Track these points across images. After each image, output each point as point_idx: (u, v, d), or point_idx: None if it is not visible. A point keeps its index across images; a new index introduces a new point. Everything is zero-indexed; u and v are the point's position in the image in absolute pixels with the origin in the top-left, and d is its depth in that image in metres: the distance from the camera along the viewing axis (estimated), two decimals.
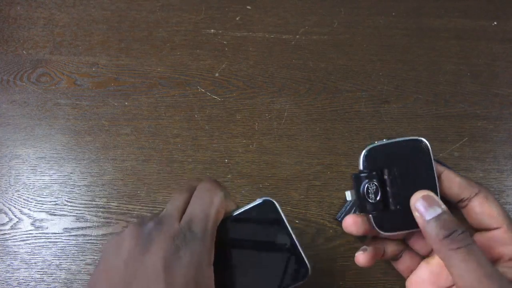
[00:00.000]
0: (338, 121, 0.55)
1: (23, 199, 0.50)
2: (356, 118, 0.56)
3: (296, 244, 0.28)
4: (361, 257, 0.31)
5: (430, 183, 0.29)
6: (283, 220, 0.32)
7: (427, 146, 0.30)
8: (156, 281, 0.22)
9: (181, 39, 0.61)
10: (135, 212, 0.49)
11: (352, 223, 0.31)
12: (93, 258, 0.47)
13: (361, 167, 0.30)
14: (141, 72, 0.58)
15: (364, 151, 0.30)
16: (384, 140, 0.31)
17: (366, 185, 0.29)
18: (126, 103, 0.56)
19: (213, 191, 0.27)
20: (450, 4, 0.65)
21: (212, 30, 0.62)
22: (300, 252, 0.29)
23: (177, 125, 0.54)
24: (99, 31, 0.61)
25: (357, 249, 0.33)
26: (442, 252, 0.25)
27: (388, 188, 0.29)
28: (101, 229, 0.48)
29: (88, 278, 0.46)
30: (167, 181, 0.51)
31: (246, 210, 0.30)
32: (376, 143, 0.31)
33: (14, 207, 0.49)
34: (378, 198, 0.29)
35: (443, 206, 0.27)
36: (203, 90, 0.57)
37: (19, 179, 0.51)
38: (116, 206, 0.49)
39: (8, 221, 0.49)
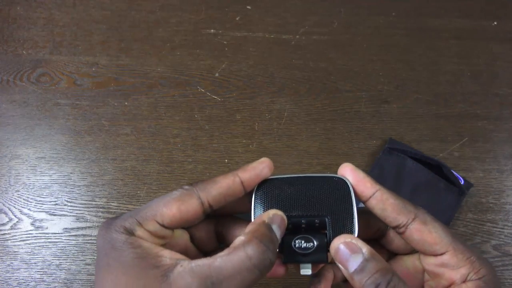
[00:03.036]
0: (338, 121, 0.55)
1: (23, 199, 0.50)
2: (356, 118, 0.56)
3: None
4: None
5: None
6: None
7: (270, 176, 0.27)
8: None
9: (181, 39, 0.61)
10: None
11: (330, 280, 0.27)
12: (93, 258, 0.47)
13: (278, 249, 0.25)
14: (141, 72, 0.58)
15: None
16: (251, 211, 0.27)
17: (297, 245, 0.25)
18: (126, 103, 0.56)
19: None
20: (450, 4, 0.65)
21: (212, 30, 0.62)
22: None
23: (177, 125, 0.54)
24: (99, 31, 0.61)
25: None
26: None
27: (305, 226, 0.26)
28: None
29: (88, 278, 0.46)
30: (167, 181, 0.51)
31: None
32: (251, 212, 0.27)
33: (14, 207, 0.49)
34: (315, 240, 0.25)
35: (365, 249, 0.23)
36: (203, 90, 0.57)
37: (19, 179, 0.51)
38: (116, 206, 0.49)
39: (8, 221, 0.49)
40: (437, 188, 0.49)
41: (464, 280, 0.25)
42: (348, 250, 0.24)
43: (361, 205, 0.27)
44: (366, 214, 0.27)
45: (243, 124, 0.55)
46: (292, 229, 0.26)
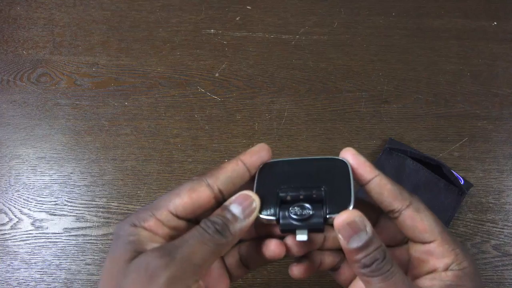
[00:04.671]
0: (338, 121, 0.55)
1: (23, 199, 0.50)
2: (356, 118, 0.56)
3: None
4: (295, 269, 0.29)
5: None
6: None
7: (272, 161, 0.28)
8: None
9: (181, 39, 0.61)
10: None
11: (316, 265, 0.28)
12: (93, 258, 0.47)
13: (274, 217, 0.26)
14: (141, 72, 0.58)
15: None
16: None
17: (293, 213, 0.26)
18: (126, 103, 0.56)
19: None
20: (450, 4, 0.65)
21: (212, 30, 0.62)
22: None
23: (177, 125, 0.54)
24: (99, 31, 0.61)
25: None
26: (362, 279, 0.25)
27: (302, 197, 0.26)
28: (101, 229, 0.48)
29: (88, 278, 0.46)
30: (167, 181, 0.51)
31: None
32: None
33: (14, 207, 0.49)
34: (312, 209, 0.26)
35: (369, 228, 0.24)
36: (203, 90, 0.57)
37: (19, 179, 0.51)
38: (116, 206, 0.49)
39: (8, 221, 0.49)
40: (437, 188, 0.49)
41: (446, 269, 0.26)
42: (353, 227, 0.24)
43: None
44: (359, 202, 0.28)
45: (243, 124, 0.55)
46: (291, 202, 0.27)
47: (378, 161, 0.51)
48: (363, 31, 0.62)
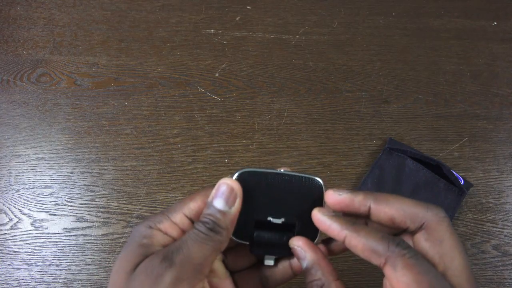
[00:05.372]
0: (338, 121, 0.55)
1: (23, 199, 0.50)
2: (356, 118, 0.56)
3: None
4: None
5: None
6: None
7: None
8: None
9: (181, 39, 0.61)
10: (135, 212, 0.49)
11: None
12: (93, 258, 0.47)
13: (246, 242, 0.28)
14: (141, 72, 0.58)
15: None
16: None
17: (264, 238, 0.28)
18: (126, 103, 0.56)
19: None
20: (450, 4, 0.65)
21: (212, 30, 0.62)
22: None
23: (177, 125, 0.54)
24: (99, 31, 0.61)
25: None
26: None
27: (275, 222, 0.28)
28: (101, 229, 0.48)
29: (88, 278, 0.46)
30: (167, 181, 0.51)
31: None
32: None
33: (14, 207, 0.49)
34: (280, 237, 0.28)
35: (308, 256, 0.26)
36: (203, 90, 0.57)
37: (19, 179, 0.51)
38: (116, 206, 0.49)
39: (8, 221, 0.49)
40: (437, 188, 0.49)
41: None
42: (298, 254, 0.27)
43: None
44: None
45: (243, 124, 0.55)
46: (264, 226, 0.28)
47: (378, 161, 0.51)
48: (363, 31, 0.62)
